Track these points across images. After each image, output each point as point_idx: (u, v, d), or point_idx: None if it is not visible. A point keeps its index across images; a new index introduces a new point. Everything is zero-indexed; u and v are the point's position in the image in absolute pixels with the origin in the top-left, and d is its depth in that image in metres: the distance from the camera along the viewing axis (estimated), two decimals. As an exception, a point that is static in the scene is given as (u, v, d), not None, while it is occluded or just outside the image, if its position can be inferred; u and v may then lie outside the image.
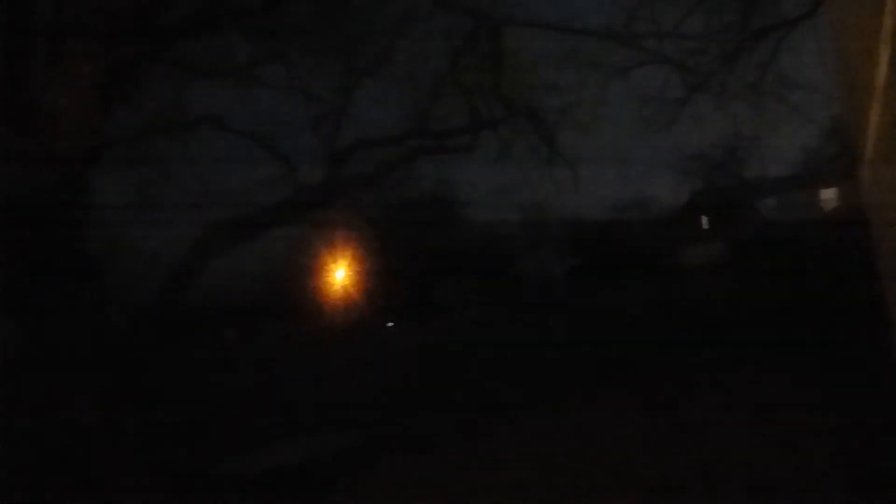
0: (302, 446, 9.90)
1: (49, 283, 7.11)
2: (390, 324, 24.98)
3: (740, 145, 25.21)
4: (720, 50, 12.67)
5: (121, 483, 7.22)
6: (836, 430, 6.26)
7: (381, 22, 11.10)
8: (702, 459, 6.08)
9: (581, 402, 9.35)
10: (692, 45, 12.70)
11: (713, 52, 12.82)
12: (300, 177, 12.26)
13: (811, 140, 22.23)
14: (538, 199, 26.30)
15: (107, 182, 10.74)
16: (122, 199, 11.81)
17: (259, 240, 12.76)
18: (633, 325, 16.27)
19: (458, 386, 12.39)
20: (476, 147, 12.65)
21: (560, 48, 12.22)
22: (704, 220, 32.33)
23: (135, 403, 9.22)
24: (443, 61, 11.79)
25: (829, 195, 29.85)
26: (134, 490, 7.27)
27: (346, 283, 21.07)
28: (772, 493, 5.17)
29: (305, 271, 20.29)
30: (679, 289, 22.66)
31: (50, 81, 7.24)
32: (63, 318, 7.13)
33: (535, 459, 7.09)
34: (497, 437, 8.36)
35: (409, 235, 23.83)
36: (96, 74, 7.45)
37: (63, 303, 7.14)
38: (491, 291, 28.15)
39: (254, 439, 10.46)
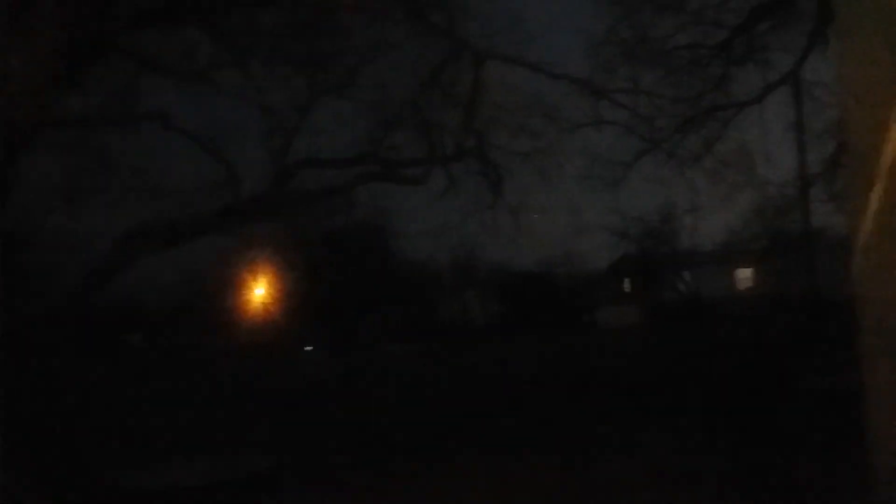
0: (206, 466, 9.42)
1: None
2: (308, 348, 24.46)
3: (676, 215, 26.13)
4: (671, 121, 13.07)
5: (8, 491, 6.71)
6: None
7: (351, 42, 10.99)
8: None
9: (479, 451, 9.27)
10: (647, 112, 13.08)
11: (665, 122, 13.22)
12: (242, 187, 11.93)
13: (741, 219, 23.19)
14: (474, 242, 26.42)
15: (39, 165, 10.22)
16: (51, 185, 11.23)
17: (186, 246, 12.33)
18: (538, 379, 16.29)
19: (367, 421, 12.08)
20: (425, 180, 12.59)
21: (526, 93, 12.35)
22: (629, 283, 33.17)
23: (29, 405, 8.64)
24: (408, 90, 11.73)
25: (747, 274, 31.31)
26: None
27: (267, 302, 20.49)
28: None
29: (226, 285, 19.63)
30: (592, 347, 23.03)
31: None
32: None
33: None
34: (403, 476, 8.18)
35: (340, 262, 23.52)
36: (48, 51, 7.06)
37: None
38: (412, 329, 27.97)
39: (154, 454, 9.90)
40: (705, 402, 10.89)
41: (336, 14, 10.81)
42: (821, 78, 12.85)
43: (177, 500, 7.93)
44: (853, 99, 3.78)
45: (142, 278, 13.48)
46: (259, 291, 20.11)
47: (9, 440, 6.87)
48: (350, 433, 10.82)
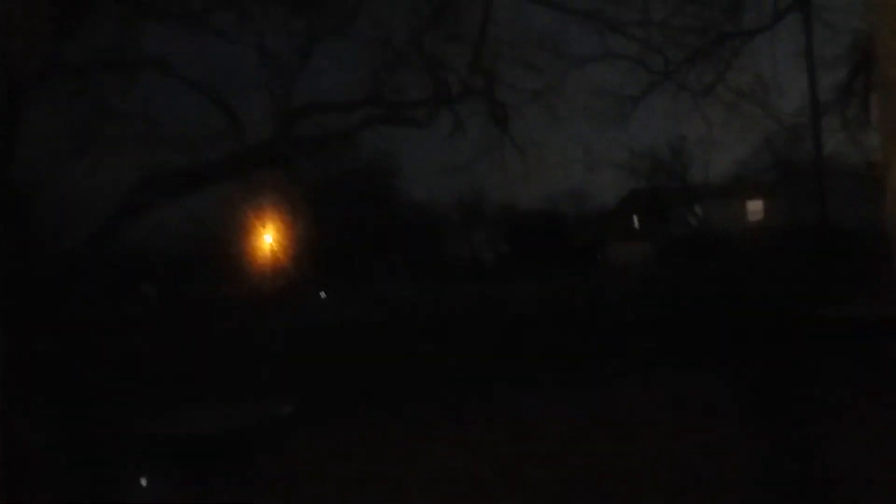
0: (225, 413, 9.52)
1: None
2: (322, 294, 24.55)
3: (686, 148, 25.85)
4: (681, 52, 12.77)
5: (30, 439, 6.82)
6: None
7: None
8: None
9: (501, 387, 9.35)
10: (653, 42, 12.78)
11: (672, 53, 12.93)
12: (245, 133, 11.80)
13: (752, 152, 22.86)
14: (482, 182, 26.32)
15: (40, 116, 10.11)
16: (55, 135, 11.13)
17: (194, 193, 12.27)
18: (552, 317, 16.35)
19: (385, 359, 12.18)
20: (431, 122, 12.42)
21: (532, 27, 12.06)
22: (639, 219, 33.00)
23: (44, 353, 8.70)
24: (410, 29, 11.47)
25: (759, 206, 31.00)
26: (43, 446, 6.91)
27: (277, 249, 20.48)
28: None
29: (235, 233, 19.61)
30: (603, 285, 23.04)
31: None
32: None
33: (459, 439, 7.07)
34: (425, 414, 8.26)
35: (348, 206, 23.45)
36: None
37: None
38: (421, 269, 28.03)
39: (171, 403, 10.00)
40: (721, 335, 10.93)
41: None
42: (833, 4, 12.51)
43: (197, 446, 8.07)
44: (884, 23, 3.62)
45: (152, 230, 13.44)
46: (268, 239, 20.10)
47: (22, 387, 6.94)
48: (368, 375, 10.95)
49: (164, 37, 11.58)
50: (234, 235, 19.24)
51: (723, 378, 8.55)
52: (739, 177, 27.15)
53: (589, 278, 24.64)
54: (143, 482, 6.74)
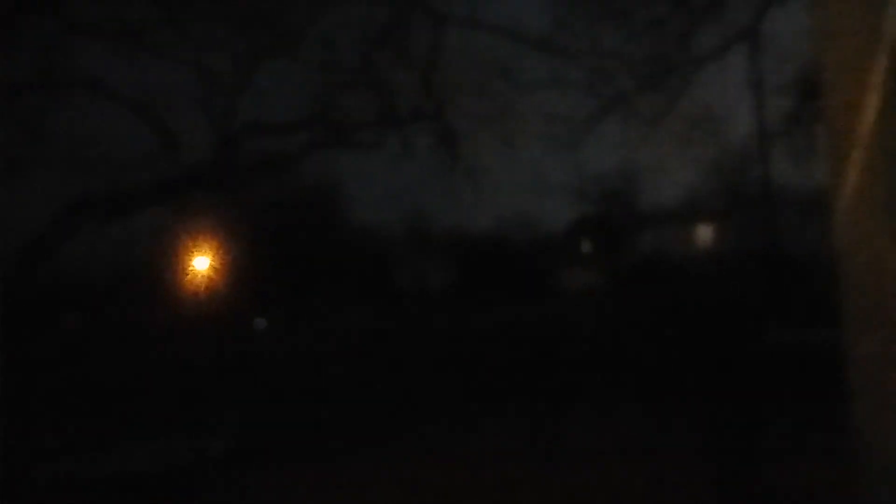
0: (156, 451, 9.02)
1: None
2: (260, 322, 23.91)
3: (636, 174, 26.06)
4: (631, 79, 12.75)
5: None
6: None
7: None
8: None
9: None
10: (604, 70, 12.72)
11: (623, 81, 12.90)
12: (183, 156, 11.36)
13: (701, 178, 23.12)
14: (430, 206, 26.04)
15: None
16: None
17: (126, 217, 11.75)
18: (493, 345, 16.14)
19: (322, 397, 11.75)
20: (379, 145, 12.13)
21: (482, 52, 11.89)
22: (589, 245, 33.08)
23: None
24: (358, 50, 11.18)
25: (709, 232, 31.35)
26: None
27: (213, 275, 19.79)
28: None
29: (169, 259, 18.89)
30: (549, 312, 22.97)
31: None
32: None
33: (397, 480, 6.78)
34: (362, 454, 7.94)
35: (290, 231, 22.93)
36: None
37: None
38: (366, 298, 27.56)
39: (100, 440, 9.46)
40: (672, 361, 10.81)
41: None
42: (781, 32, 12.63)
43: (125, 486, 7.57)
44: (829, 55, 3.53)
45: (77, 255, 12.85)
46: (204, 264, 19.42)
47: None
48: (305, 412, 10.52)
49: (97, 55, 11.05)
50: (168, 262, 18.54)
51: (673, 408, 8.40)
52: (689, 203, 27.51)
53: (538, 305, 24.55)
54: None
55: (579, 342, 14.65)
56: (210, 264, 18.67)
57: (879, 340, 3.24)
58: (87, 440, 9.60)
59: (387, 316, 25.01)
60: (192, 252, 17.40)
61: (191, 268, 18.33)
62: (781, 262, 17.36)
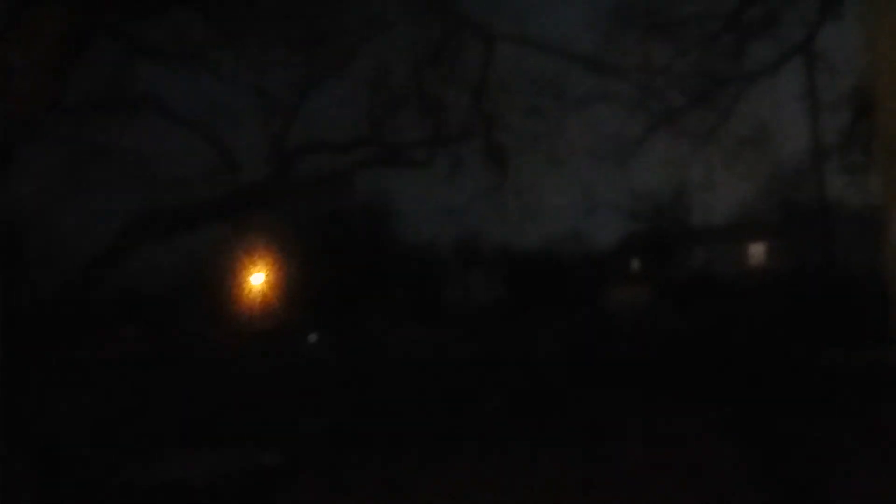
0: (209, 461, 9.20)
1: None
2: (313, 337, 24.17)
3: (687, 191, 25.86)
4: (683, 95, 12.71)
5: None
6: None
7: (349, 20, 10.63)
8: None
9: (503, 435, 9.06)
10: (654, 86, 12.71)
11: (674, 97, 12.87)
12: (241, 174, 11.67)
13: (754, 194, 22.82)
14: (480, 224, 26.10)
15: (36, 154, 9.99)
16: (50, 175, 11.00)
17: (186, 233, 12.09)
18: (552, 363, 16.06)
19: (380, 409, 11.86)
20: (430, 163, 12.29)
21: (532, 70, 12.00)
22: (639, 262, 32.84)
23: (24, 400, 8.44)
24: (409, 69, 11.40)
25: (761, 249, 30.88)
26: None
27: (269, 290, 20.15)
28: None
29: (228, 273, 19.31)
30: (603, 328, 22.77)
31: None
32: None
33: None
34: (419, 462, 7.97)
35: (344, 247, 23.25)
36: (49, 44, 6.78)
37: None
38: (418, 313, 27.71)
39: (153, 450, 9.67)
40: (723, 382, 10.67)
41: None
42: (834, 48, 12.47)
43: (185, 495, 7.76)
44: (882, 71, 3.52)
45: (140, 269, 13.23)
46: (261, 279, 19.78)
47: (7, 438, 6.69)
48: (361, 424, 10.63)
49: (159, 75, 11.47)
50: (226, 277, 18.94)
51: (728, 425, 8.31)
52: (742, 220, 27.13)
53: (589, 322, 24.36)
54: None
55: (625, 358, 14.53)
56: (266, 279, 19.08)
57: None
58: (142, 449, 9.83)
59: (436, 330, 25.10)
60: (249, 267, 17.79)
61: (247, 283, 18.76)
62: (835, 281, 16.99)
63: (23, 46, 6.50)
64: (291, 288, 19.90)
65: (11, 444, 6.78)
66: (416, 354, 19.71)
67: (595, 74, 12.60)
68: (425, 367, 16.83)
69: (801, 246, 22.57)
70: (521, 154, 12.92)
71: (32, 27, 6.50)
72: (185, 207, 11.16)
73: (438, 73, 11.68)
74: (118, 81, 10.74)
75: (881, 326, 3.58)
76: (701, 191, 16.59)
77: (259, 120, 11.60)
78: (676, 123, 13.13)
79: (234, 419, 11.46)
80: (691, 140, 13.27)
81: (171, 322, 22.64)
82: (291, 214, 15.47)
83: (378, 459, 8.31)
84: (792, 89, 13.66)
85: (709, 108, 12.95)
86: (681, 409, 9.30)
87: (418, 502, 6.68)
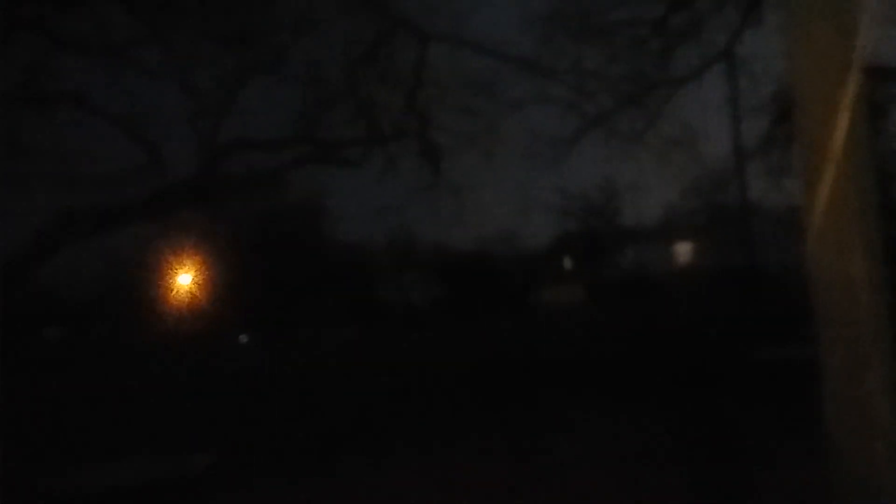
0: (143, 466, 8.94)
1: None
2: (243, 338, 23.78)
3: (617, 192, 26.41)
4: (613, 98, 12.95)
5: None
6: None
7: (281, 16, 10.46)
8: None
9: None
10: (586, 89, 12.92)
11: (606, 98, 13.10)
12: (169, 171, 11.35)
13: (681, 195, 23.39)
14: (412, 223, 26.13)
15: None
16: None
17: (110, 232, 11.72)
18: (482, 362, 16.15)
19: (308, 410, 11.70)
20: (363, 162, 12.22)
21: (466, 70, 12.04)
22: (571, 261, 33.33)
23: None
24: (343, 68, 11.28)
25: (688, 248, 31.70)
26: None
27: (197, 290, 19.67)
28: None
29: (153, 273, 18.77)
30: (533, 327, 23.06)
31: None
32: None
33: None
34: (351, 468, 7.91)
35: (275, 246, 22.91)
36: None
37: None
38: (351, 313, 27.53)
39: (86, 455, 9.35)
40: (656, 376, 10.89)
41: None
42: (756, 54, 12.89)
43: (112, 502, 7.52)
44: (803, 76, 3.63)
45: (63, 269, 12.78)
46: (188, 279, 19.31)
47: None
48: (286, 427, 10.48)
49: (84, 71, 11.06)
50: (152, 277, 18.44)
51: (657, 422, 8.46)
52: (670, 220, 27.82)
53: (521, 320, 24.61)
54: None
55: (560, 357, 14.71)
56: (193, 279, 18.62)
57: (849, 350, 3.37)
58: (66, 454, 9.51)
59: (370, 330, 25.00)
60: (177, 267, 17.35)
61: (175, 283, 18.28)
62: (758, 278, 17.58)
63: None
64: (221, 288, 19.48)
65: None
66: (348, 356, 19.60)
67: (529, 76, 12.74)
68: (355, 368, 16.74)
69: (725, 245, 23.27)
70: (455, 154, 12.97)
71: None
72: (108, 206, 10.83)
73: (373, 71, 11.62)
74: (37, 76, 10.32)
75: (802, 323, 3.69)
76: (631, 192, 16.94)
77: (188, 117, 11.32)
78: (607, 125, 13.38)
79: (162, 422, 11.17)
80: (621, 142, 13.55)
81: (96, 324, 21.93)
82: (222, 213, 15.15)
83: (306, 459, 8.20)
84: (717, 93, 14.09)
85: (638, 110, 13.24)
86: (613, 406, 9.44)
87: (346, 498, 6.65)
